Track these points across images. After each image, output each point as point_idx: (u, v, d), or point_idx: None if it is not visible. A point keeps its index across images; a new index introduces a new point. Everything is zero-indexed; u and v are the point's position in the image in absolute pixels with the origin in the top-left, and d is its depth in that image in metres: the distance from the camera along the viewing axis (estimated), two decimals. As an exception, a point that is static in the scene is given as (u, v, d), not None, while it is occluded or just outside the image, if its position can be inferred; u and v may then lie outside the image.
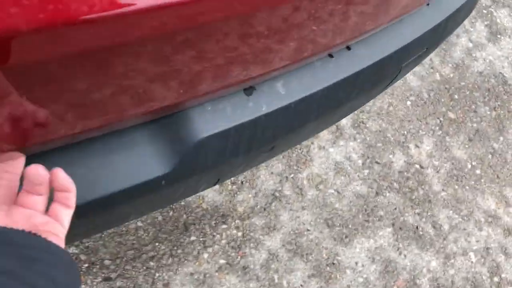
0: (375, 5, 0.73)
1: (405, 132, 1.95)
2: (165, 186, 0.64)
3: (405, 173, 1.85)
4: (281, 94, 0.70)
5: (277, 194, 1.64)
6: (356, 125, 1.90)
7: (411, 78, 2.11)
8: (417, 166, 1.89)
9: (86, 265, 1.36)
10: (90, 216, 0.62)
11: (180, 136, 0.64)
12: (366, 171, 1.80)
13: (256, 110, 0.68)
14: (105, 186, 0.59)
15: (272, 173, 1.68)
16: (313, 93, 0.73)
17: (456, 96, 2.14)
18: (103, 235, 1.41)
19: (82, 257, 1.36)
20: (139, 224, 1.46)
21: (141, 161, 0.62)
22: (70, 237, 0.62)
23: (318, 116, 0.77)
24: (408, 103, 2.04)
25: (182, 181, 0.67)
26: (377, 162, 1.84)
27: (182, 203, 1.52)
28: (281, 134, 0.74)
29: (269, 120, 0.70)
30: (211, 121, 0.65)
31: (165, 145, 0.63)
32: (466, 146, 2.01)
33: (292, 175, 1.70)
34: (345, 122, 1.88)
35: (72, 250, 1.36)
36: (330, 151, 1.80)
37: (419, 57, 0.96)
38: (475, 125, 2.09)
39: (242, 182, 1.62)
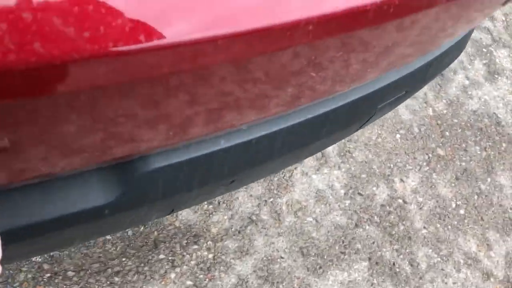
0: (376, 55, 0.71)
1: (392, 165, 1.93)
2: (108, 215, 0.62)
3: (387, 207, 1.82)
4: (242, 129, 0.68)
5: (254, 218, 1.61)
6: (342, 153, 1.87)
7: (403, 111, 2.09)
8: (400, 201, 1.86)
9: (48, 275, 1.32)
10: (25, 240, 0.60)
11: (128, 164, 0.61)
12: (348, 202, 1.77)
13: (213, 144, 0.66)
14: (40, 212, 0.56)
15: (251, 195, 1.65)
16: (277, 131, 0.71)
17: (447, 133, 2.12)
18: (69, 245, 1.38)
19: (45, 266, 1.33)
20: (108, 237, 1.42)
21: (83, 187, 0.59)
22: (5, 260, 0.59)
23: (282, 154, 0.75)
24: (398, 136, 2.02)
25: (128, 211, 0.64)
26: (359, 194, 1.81)
27: (155, 219, 1.49)
28: (240, 169, 0.72)
29: (227, 155, 0.67)
30: (164, 152, 0.62)
31: (111, 173, 0.60)
32: (453, 184, 1.98)
33: (271, 199, 1.67)
34: (331, 149, 1.85)
35: (35, 258, 1.33)
36: (313, 178, 1.77)
37: (398, 99, 0.94)
38: (463, 164, 2.06)
39: (219, 203, 1.59)
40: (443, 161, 2.03)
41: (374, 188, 1.84)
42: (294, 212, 1.68)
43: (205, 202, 1.57)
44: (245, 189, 1.65)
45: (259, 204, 1.65)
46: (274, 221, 1.64)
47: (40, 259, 1.33)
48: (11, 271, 1.30)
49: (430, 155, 2.02)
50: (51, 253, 1.35)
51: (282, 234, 1.62)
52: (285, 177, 1.73)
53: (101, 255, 1.39)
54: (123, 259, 1.40)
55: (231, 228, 1.57)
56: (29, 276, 1.31)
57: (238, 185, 0.85)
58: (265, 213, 1.64)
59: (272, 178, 1.71)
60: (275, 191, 1.69)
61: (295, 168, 1.76)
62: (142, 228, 1.47)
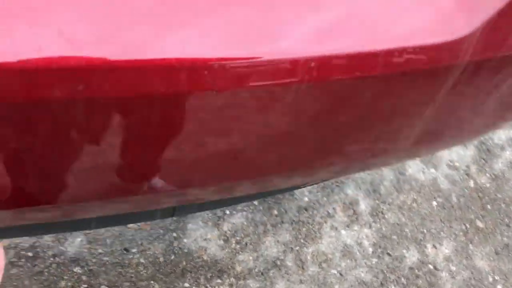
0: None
1: (425, 230, 1.94)
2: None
3: (416, 271, 1.82)
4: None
5: (278, 263, 1.70)
6: (374, 213, 1.93)
7: (442, 181, 2.12)
8: (431, 266, 1.85)
9: (85, 285, 1.49)
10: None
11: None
12: (375, 260, 1.80)
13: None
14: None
15: (278, 241, 1.74)
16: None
17: (489, 207, 2.10)
18: (107, 263, 1.54)
19: (84, 277, 1.50)
20: (142, 260, 1.58)
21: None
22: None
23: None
24: (434, 203, 2.04)
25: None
26: (388, 254, 1.83)
27: (185, 250, 1.63)
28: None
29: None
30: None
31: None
32: (491, 258, 1.94)
33: (297, 248, 1.75)
34: (363, 208, 1.92)
35: (76, 269, 1.51)
36: (342, 233, 1.84)
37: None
38: (505, 239, 2.02)
39: (246, 244, 1.70)
40: (482, 233, 2.01)
41: (404, 251, 1.86)
42: (319, 263, 1.74)
43: (233, 241, 1.69)
44: (273, 234, 1.75)
45: (285, 250, 1.73)
46: (298, 268, 1.71)
47: (80, 271, 1.51)
48: (55, 277, 1.48)
49: (468, 226, 2.01)
50: (91, 267, 1.52)
51: (304, 282, 1.68)
52: (314, 229, 1.81)
53: (133, 275, 1.54)
54: (152, 282, 1.54)
55: (255, 269, 1.66)
56: (69, 284, 1.48)
57: (233, 198, 0.98)
58: (290, 259, 1.72)
59: (301, 227, 1.80)
60: (302, 240, 1.77)
61: (325, 222, 1.84)
62: (173, 256, 1.61)
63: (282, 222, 1.80)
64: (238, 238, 1.71)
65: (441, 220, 2.00)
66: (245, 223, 1.76)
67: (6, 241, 1.51)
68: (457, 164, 2.21)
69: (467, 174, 2.19)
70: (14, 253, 1.50)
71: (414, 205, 2.00)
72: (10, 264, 1.47)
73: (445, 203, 2.05)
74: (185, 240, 1.66)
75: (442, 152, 2.22)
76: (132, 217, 0.91)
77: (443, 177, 2.14)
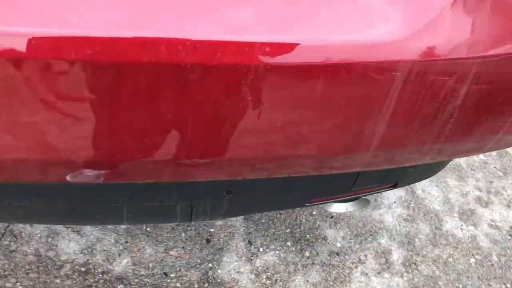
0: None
1: (461, 286, 1.93)
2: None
3: (449, 325, 1.80)
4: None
5: (306, 301, 1.77)
6: (407, 264, 1.95)
7: (482, 238, 2.11)
8: (465, 322, 1.82)
9: (126, 302, 1.65)
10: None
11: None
12: (404, 309, 1.81)
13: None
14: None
15: (307, 281, 1.82)
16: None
17: (533, 269, 2.04)
18: (147, 284, 1.71)
19: (125, 294, 1.67)
20: (178, 285, 1.73)
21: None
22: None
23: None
24: (472, 260, 2.02)
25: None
26: (419, 304, 1.84)
27: (219, 280, 1.76)
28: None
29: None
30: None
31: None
32: (533, 321, 1.87)
33: (326, 289, 1.82)
34: (396, 258, 1.96)
35: (120, 287, 1.69)
36: (372, 279, 1.88)
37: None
38: (550, 303, 1.94)
39: (276, 280, 1.80)
40: (524, 295, 1.95)
41: (437, 303, 1.85)
42: (346, 306, 1.79)
43: (264, 277, 1.80)
44: (303, 274, 1.84)
45: (313, 290, 1.81)
46: (325, 308, 1.76)
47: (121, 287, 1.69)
48: (100, 292, 1.67)
49: (509, 285, 1.96)
50: (132, 286, 1.69)
51: (331, 322, 1.73)
52: (344, 273, 1.88)
53: (168, 297, 1.69)
54: (185, 305, 1.68)
55: (283, 304, 1.74)
56: (112, 299, 1.65)
57: (238, 201, 1.13)
58: (317, 299, 1.78)
59: (331, 270, 1.87)
60: (331, 282, 1.84)
61: (356, 267, 1.90)
62: (206, 284, 1.75)
63: (313, 263, 1.88)
64: (269, 274, 1.82)
65: (478, 277, 1.97)
66: (277, 261, 1.87)
67: (64, 256, 1.74)
68: (499, 224, 2.19)
69: (510, 235, 2.16)
70: (70, 267, 1.71)
71: (450, 260, 2.01)
72: (65, 276, 1.69)
73: (484, 261, 2.03)
74: (219, 271, 1.79)
75: (483, 211, 2.23)
76: (156, 217, 1.08)
77: (483, 236, 2.13)
